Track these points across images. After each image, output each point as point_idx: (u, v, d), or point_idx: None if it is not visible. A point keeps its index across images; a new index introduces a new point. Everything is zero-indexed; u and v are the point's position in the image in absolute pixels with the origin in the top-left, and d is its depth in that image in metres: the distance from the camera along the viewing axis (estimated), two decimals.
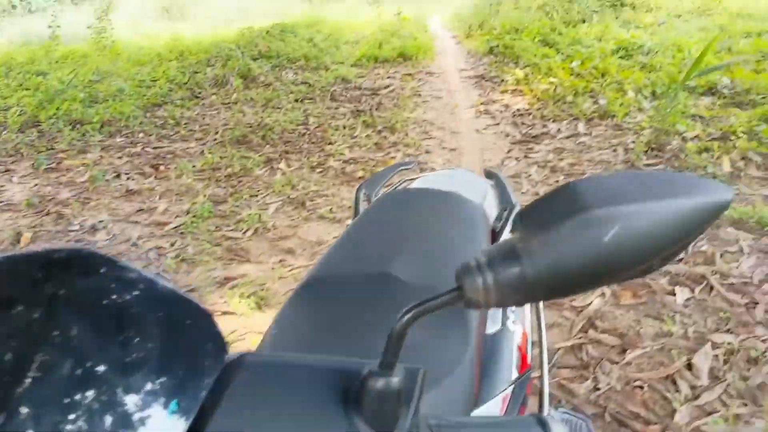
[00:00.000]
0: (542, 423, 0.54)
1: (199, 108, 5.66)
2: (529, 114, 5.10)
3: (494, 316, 1.13)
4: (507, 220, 1.27)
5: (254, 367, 0.46)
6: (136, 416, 0.37)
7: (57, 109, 5.33)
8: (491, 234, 1.25)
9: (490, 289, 0.43)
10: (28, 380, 0.36)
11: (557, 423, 0.55)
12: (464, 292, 0.43)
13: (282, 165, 4.08)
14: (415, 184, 1.49)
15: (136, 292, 0.42)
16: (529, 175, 3.84)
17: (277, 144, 4.51)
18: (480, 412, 0.97)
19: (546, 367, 1.22)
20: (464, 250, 1.12)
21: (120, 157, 4.41)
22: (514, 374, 1.07)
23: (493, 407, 0.99)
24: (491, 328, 1.10)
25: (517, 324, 1.15)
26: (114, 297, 0.41)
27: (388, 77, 6.72)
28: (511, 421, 0.55)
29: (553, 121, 4.81)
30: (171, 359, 0.41)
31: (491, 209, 1.35)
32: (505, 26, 8.49)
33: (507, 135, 4.65)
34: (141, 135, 4.91)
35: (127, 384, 0.38)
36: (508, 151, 4.30)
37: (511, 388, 1.05)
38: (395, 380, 0.44)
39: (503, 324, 1.12)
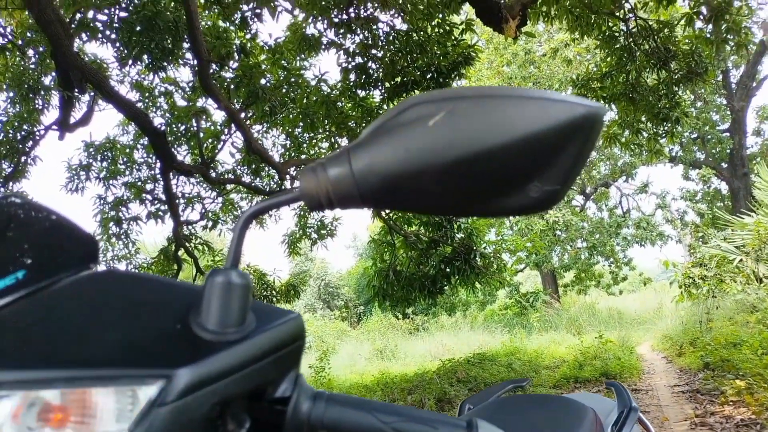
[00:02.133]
0: (471, 425, 0.47)
1: None
2: (757, 424, 4.41)
3: None
4: (624, 421, 1.12)
5: (114, 276, 0.49)
6: None
7: None
8: None
9: (322, 186, 0.44)
10: None
11: (489, 428, 0.47)
12: (301, 190, 0.45)
13: None
14: None
15: (32, 219, 0.51)
16: None
17: None
18: None
19: None
20: None
21: None
22: None
23: None
24: None
25: None
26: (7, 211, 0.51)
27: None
28: (432, 417, 0.47)
29: None
30: (41, 263, 0.47)
31: (612, 417, 1.21)
32: (720, 341, 7.86)
33: None
34: None
35: None
36: None
37: None
38: (237, 276, 0.43)
39: None
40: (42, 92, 6.81)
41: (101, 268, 0.52)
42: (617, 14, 7.15)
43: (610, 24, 7.32)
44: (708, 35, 6.84)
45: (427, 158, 0.42)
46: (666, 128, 7.77)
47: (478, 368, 8.14)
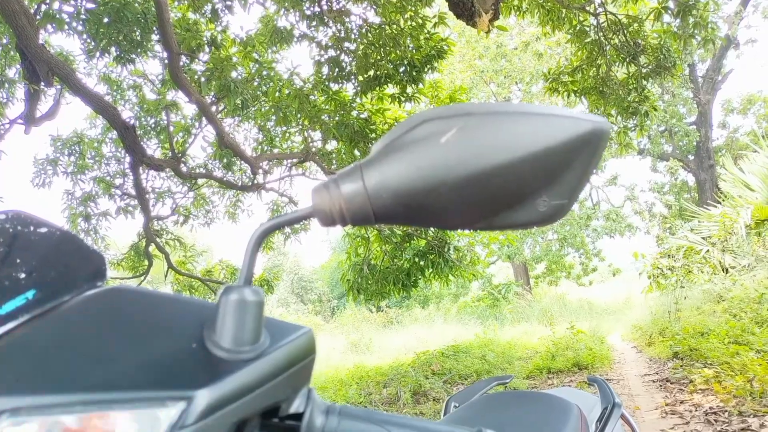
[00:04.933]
0: None
1: None
2: (725, 411, 4.51)
3: None
4: (609, 417, 1.13)
5: (124, 294, 0.48)
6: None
7: None
8: None
9: (336, 203, 0.44)
10: None
11: None
12: (314, 207, 0.45)
13: None
14: None
15: (41, 236, 0.50)
16: None
17: None
18: None
19: None
20: None
21: None
22: None
23: None
24: None
25: None
26: (18, 239, 0.50)
27: (562, 386, 6.44)
28: (443, 429, 0.48)
29: (754, 416, 4.20)
30: (51, 281, 0.46)
31: (595, 415, 1.22)
32: (688, 330, 8.03)
33: None
34: None
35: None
36: None
37: None
38: (250, 293, 0.43)
39: None
40: (6, 85, 6.63)
41: (109, 284, 0.50)
42: (588, 9, 7.22)
43: (581, 18, 7.39)
44: (675, 30, 6.94)
45: (439, 175, 0.43)
46: (635, 122, 7.88)
47: (453, 360, 8.19)
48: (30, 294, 0.45)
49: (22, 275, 0.46)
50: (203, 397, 0.38)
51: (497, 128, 0.43)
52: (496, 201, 0.44)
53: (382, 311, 19.37)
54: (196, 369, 0.40)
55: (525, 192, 0.44)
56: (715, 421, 4.29)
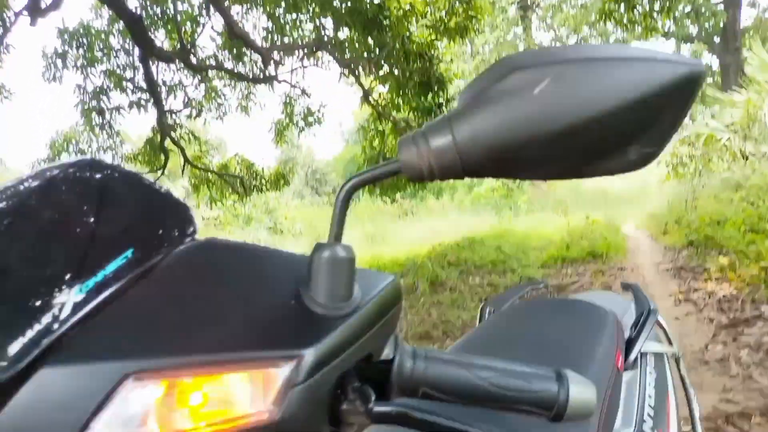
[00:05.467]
0: (560, 377, 0.47)
1: None
2: (738, 299, 4.59)
3: (627, 417, 0.98)
4: (644, 324, 1.14)
5: (217, 247, 0.48)
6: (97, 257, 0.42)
7: None
8: (626, 342, 1.13)
9: (425, 158, 0.43)
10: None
11: (577, 378, 0.48)
12: (402, 161, 0.43)
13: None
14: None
15: (124, 187, 0.49)
16: (740, 359, 3.36)
17: (456, 336, 4.51)
18: None
19: None
20: (585, 351, 1.02)
21: None
22: None
23: None
24: (623, 429, 0.96)
25: (656, 430, 0.98)
26: (100, 185, 0.48)
27: (577, 275, 6.57)
28: (524, 370, 0.49)
29: (767, 304, 4.27)
30: (145, 237, 0.46)
31: (630, 320, 1.23)
32: (705, 219, 8.05)
33: (711, 320, 4.19)
34: None
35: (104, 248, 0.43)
36: (713, 336, 3.84)
37: None
38: (342, 250, 0.44)
39: (639, 428, 0.96)
40: None
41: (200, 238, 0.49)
42: None
43: None
44: None
45: (532, 128, 0.41)
46: (661, 4, 7.50)
47: (468, 251, 8.33)
48: (129, 253, 0.44)
49: (117, 232, 0.45)
50: (311, 355, 0.40)
51: (594, 76, 0.41)
52: (587, 152, 0.43)
53: (396, 203, 19.57)
54: (301, 327, 0.42)
55: (618, 141, 0.43)
56: (728, 308, 4.38)
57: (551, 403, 0.48)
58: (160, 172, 9.09)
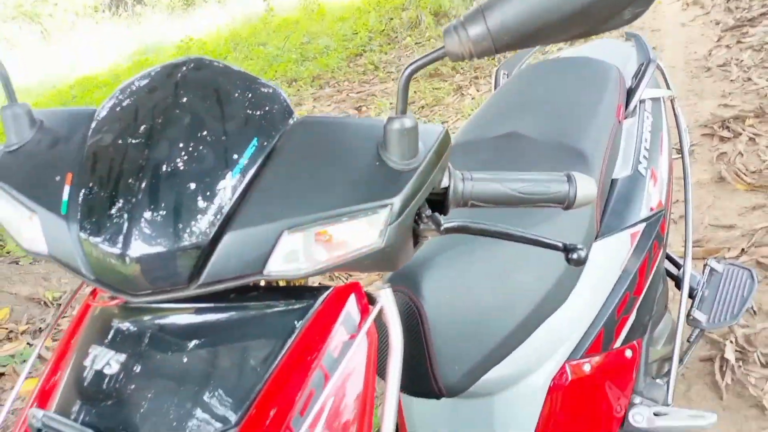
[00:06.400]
0: (570, 179, 0.65)
1: (395, 51, 5.96)
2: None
3: (625, 162, 1.17)
4: (644, 74, 1.27)
5: (311, 124, 0.61)
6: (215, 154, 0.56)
7: (275, 71, 6.01)
8: (627, 92, 1.27)
9: (465, 45, 0.54)
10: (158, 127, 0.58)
11: (583, 178, 0.65)
12: (446, 49, 0.55)
13: (471, 90, 4.19)
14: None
15: (234, 82, 0.61)
16: (741, 61, 3.48)
17: (467, 72, 4.61)
18: (603, 242, 1.05)
19: (690, 206, 1.24)
20: (589, 108, 1.17)
21: (329, 105, 4.87)
22: (645, 214, 1.12)
23: (618, 240, 1.07)
24: (622, 173, 1.16)
25: (649, 169, 1.18)
26: (212, 82, 0.61)
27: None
28: (542, 178, 0.66)
29: None
30: (261, 125, 0.59)
31: (632, 69, 1.36)
32: None
33: (717, 23, 4.21)
34: (345, 83, 5.34)
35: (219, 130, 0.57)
36: (718, 40, 3.91)
37: (642, 226, 1.10)
38: (408, 121, 0.57)
39: (635, 169, 1.16)
40: None
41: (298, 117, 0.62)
42: None
43: None
44: None
45: (551, 8, 0.51)
46: None
47: None
48: (255, 141, 0.57)
49: (243, 126, 0.58)
50: (398, 201, 0.55)
51: None
52: (592, 18, 0.52)
53: None
54: (387, 182, 0.56)
55: (615, 6, 0.52)
56: (736, 8, 4.35)
57: (564, 199, 0.66)
58: None
